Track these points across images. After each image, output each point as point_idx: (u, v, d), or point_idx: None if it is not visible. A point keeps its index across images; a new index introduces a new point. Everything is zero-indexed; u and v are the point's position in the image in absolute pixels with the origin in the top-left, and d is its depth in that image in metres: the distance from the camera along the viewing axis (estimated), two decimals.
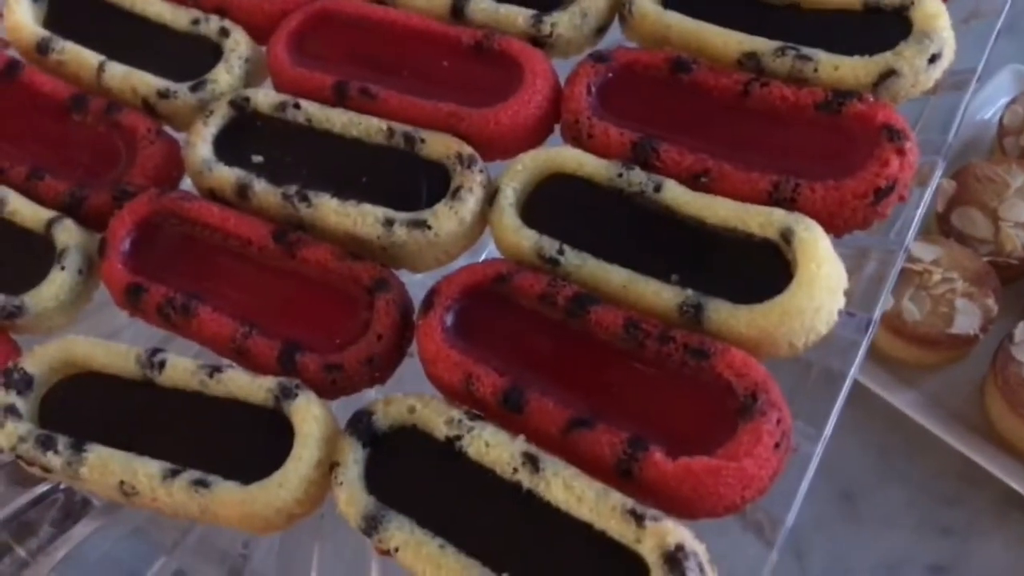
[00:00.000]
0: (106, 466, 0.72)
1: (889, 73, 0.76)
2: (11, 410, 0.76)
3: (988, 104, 1.25)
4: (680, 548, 0.60)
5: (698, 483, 0.63)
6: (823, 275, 0.68)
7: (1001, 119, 1.20)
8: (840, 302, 0.70)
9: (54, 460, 0.73)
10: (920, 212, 0.75)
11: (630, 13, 0.87)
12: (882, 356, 1.11)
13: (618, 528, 0.62)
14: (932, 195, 0.76)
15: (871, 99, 0.75)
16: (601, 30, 0.91)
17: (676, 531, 0.61)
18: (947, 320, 1.06)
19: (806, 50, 0.79)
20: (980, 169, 1.14)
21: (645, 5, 0.86)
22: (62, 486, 0.80)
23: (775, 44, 0.80)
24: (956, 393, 1.10)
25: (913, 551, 1.05)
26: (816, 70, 0.78)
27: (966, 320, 1.05)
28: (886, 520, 1.07)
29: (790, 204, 0.73)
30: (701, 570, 0.60)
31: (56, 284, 0.84)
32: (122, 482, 0.72)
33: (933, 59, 0.77)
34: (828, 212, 0.73)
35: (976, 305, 1.06)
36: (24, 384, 0.77)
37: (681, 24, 0.84)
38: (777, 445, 0.64)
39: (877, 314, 0.72)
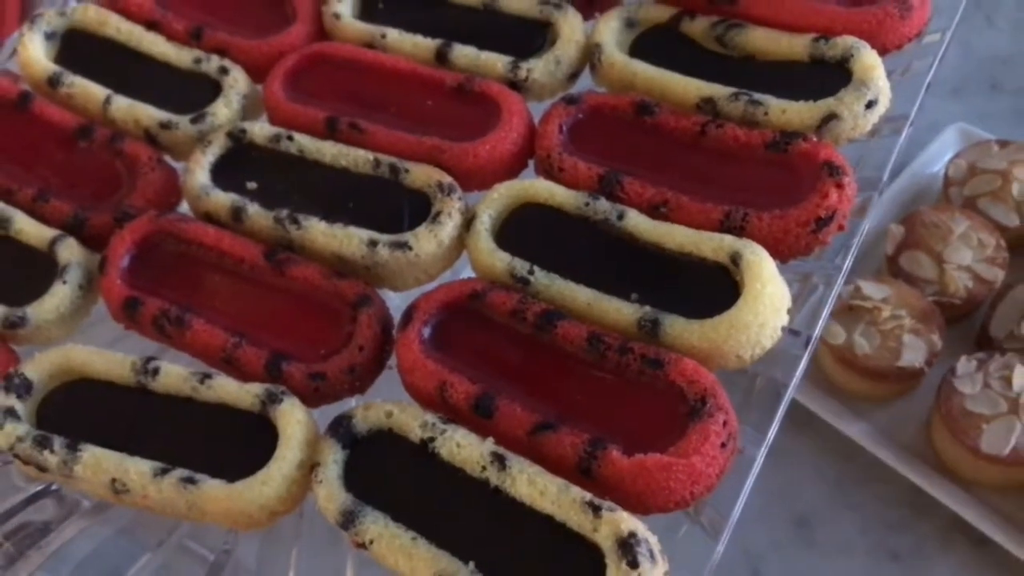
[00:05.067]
0: (99, 464, 0.76)
1: (831, 117, 0.84)
2: (10, 412, 0.80)
3: (936, 159, 1.34)
4: (633, 535, 0.65)
5: (651, 478, 0.68)
6: (768, 293, 0.74)
7: (946, 171, 1.28)
8: (783, 319, 0.76)
9: (50, 459, 0.77)
10: (858, 240, 0.82)
11: (599, 61, 0.95)
12: (835, 389, 1.18)
13: (577, 519, 0.67)
14: (868, 225, 0.83)
15: (815, 139, 0.83)
16: (573, 76, 0.98)
17: (630, 520, 0.66)
18: (895, 354, 1.12)
19: (758, 96, 0.87)
20: (927, 216, 1.22)
21: (613, 54, 0.94)
22: (53, 487, 0.84)
23: (730, 90, 0.88)
24: (905, 425, 1.16)
25: (865, 575, 1.10)
26: (766, 113, 0.86)
27: (913, 354, 1.12)
28: (840, 545, 1.12)
29: (740, 232, 0.80)
30: (652, 555, 0.65)
31: (57, 297, 0.89)
32: (114, 480, 0.76)
33: (870, 105, 0.84)
34: (774, 239, 0.79)
35: (922, 340, 1.13)
36: (23, 388, 0.82)
37: (646, 72, 0.92)
38: (723, 445, 0.70)
39: (818, 331, 0.78)
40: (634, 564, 0.63)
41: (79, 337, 0.91)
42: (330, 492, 0.74)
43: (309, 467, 0.76)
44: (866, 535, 1.12)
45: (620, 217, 0.82)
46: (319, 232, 0.87)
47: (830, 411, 1.14)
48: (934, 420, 1.12)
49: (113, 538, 0.84)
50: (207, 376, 0.80)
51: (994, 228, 1.21)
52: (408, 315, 0.81)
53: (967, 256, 1.18)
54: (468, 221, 0.86)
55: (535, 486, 0.69)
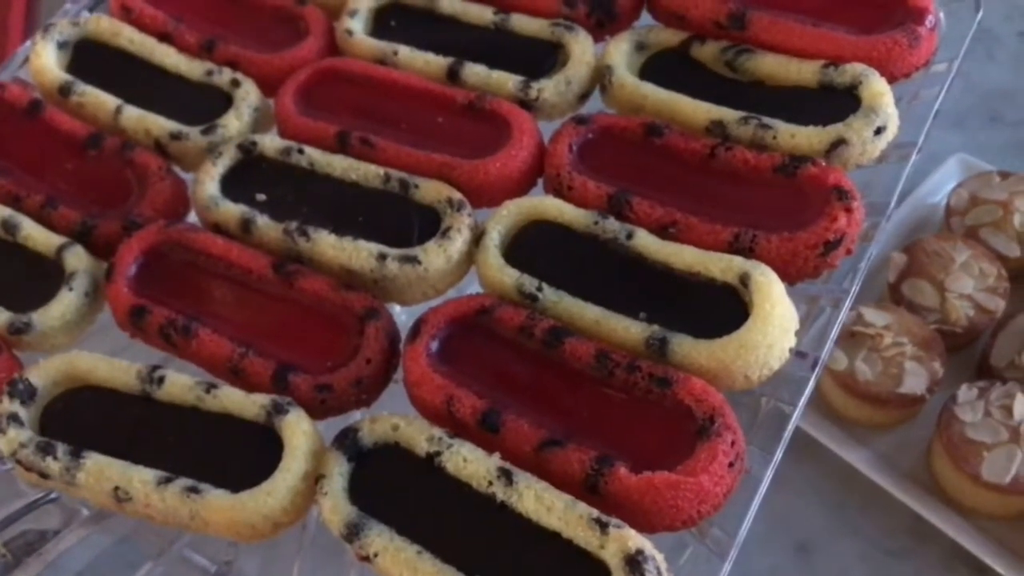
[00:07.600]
0: (102, 472, 0.76)
1: (840, 142, 0.85)
2: (14, 418, 0.80)
3: (937, 189, 1.35)
4: (640, 552, 0.65)
5: (658, 496, 0.69)
6: (776, 314, 0.75)
7: (948, 201, 1.30)
8: (791, 341, 0.77)
9: (52, 466, 0.77)
10: (865, 264, 0.82)
11: (610, 83, 0.96)
12: (837, 415, 1.18)
13: (584, 536, 0.67)
14: (876, 249, 0.84)
15: (823, 164, 0.83)
16: (583, 97, 0.99)
17: (637, 538, 0.66)
18: (897, 380, 1.12)
19: (767, 120, 0.88)
20: (929, 244, 1.23)
21: (624, 76, 0.95)
22: (53, 494, 0.84)
23: (739, 114, 0.89)
24: (906, 452, 1.16)
25: None
26: (775, 137, 0.87)
27: (914, 381, 1.12)
28: (839, 572, 1.11)
29: (748, 253, 0.80)
30: (659, 573, 0.65)
31: (63, 304, 0.88)
32: (117, 488, 0.75)
33: (879, 131, 0.85)
34: (782, 261, 0.80)
35: (923, 368, 1.13)
36: (27, 394, 0.81)
37: (656, 94, 0.93)
38: (731, 464, 0.70)
39: (825, 354, 0.79)
40: None
41: (83, 345, 0.91)
42: (335, 504, 0.73)
43: (314, 479, 0.76)
44: (866, 562, 1.11)
45: (629, 236, 0.83)
46: (328, 245, 0.87)
47: (831, 437, 1.14)
48: (935, 447, 1.12)
49: (112, 548, 0.83)
50: (213, 386, 0.80)
51: (995, 258, 1.22)
52: (416, 329, 0.81)
53: (969, 285, 1.19)
54: (477, 237, 0.87)
55: (542, 502, 0.69)
